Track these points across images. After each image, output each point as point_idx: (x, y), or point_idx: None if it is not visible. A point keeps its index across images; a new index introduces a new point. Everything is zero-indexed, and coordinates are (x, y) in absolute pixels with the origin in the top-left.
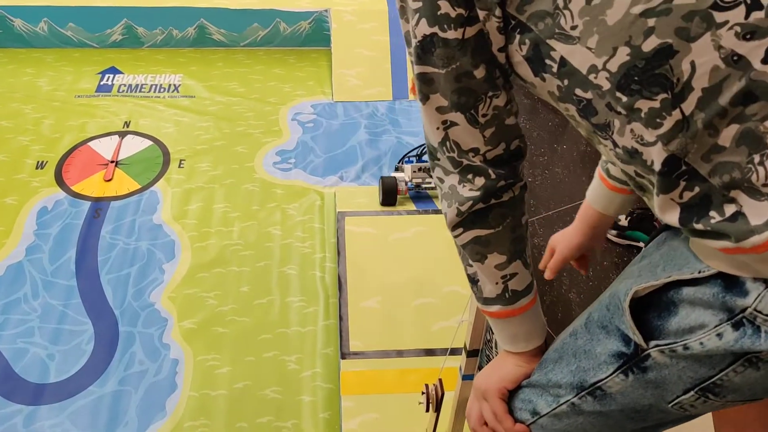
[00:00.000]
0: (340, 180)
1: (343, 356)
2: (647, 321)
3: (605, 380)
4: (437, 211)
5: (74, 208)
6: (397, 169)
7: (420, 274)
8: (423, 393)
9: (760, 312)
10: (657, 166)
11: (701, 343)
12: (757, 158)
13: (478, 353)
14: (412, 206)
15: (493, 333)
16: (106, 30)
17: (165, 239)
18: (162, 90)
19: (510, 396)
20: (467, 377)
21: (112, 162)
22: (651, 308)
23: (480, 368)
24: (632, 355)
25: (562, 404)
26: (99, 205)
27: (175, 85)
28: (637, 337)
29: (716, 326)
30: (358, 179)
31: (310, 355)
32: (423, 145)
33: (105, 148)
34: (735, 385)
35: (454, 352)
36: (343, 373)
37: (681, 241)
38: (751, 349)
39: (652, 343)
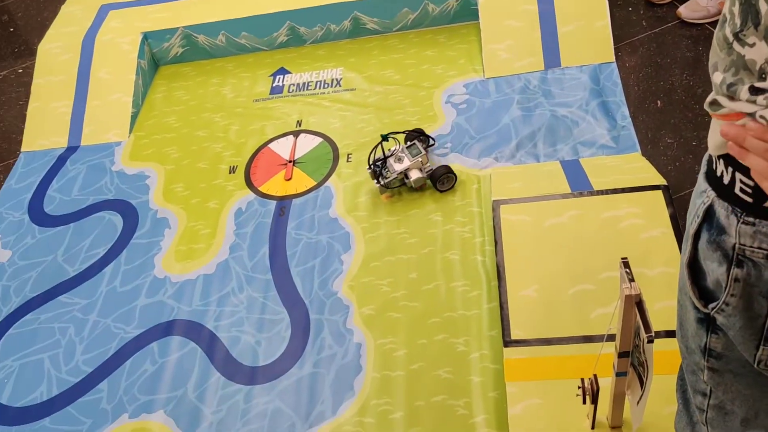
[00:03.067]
0: (495, 161)
1: (506, 344)
2: (704, 285)
3: (708, 343)
4: (592, 193)
5: (263, 208)
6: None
7: (576, 260)
8: (579, 387)
9: (744, 245)
10: None
11: (732, 295)
12: None
13: (629, 354)
14: (566, 187)
15: (641, 339)
16: (273, 33)
17: (341, 232)
18: (326, 86)
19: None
20: (620, 374)
21: (290, 162)
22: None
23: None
24: (706, 319)
25: (704, 370)
26: (283, 203)
27: (337, 79)
28: (699, 303)
29: (727, 276)
30: (513, 158)
31: (477, 337)
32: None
33: (282, 148)
34: None
35: (611, 338)
36: (506, 360)
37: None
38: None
39: (710, 306)
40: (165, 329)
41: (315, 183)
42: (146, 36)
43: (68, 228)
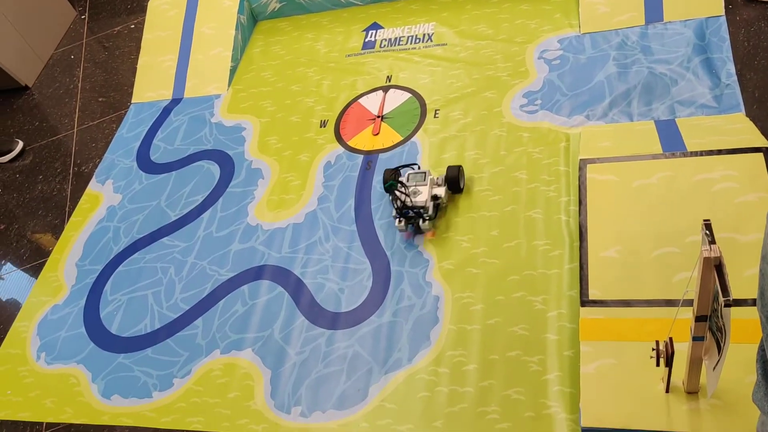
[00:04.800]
0: (586, 119)
1: (583, 304)
2: None
3: None
4: (685, 154)
5: (351, 161)
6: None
7: (663, 222)
8: (653, 349)
9: None
10: None
11: None
12: None
13: (707, 318)
14: (658, 148)
15: (719, 303)
16: None
17: None
18: (417, 41)
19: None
20: (697, 339)
21: (378, 117)
22: None
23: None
24: None
25: None
26: (370, 157)
27: (428, 34)
28: None
29: None
30: (605, 117)
31: (556, 296)
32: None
33: (372, 103)
34: None
35: (686, 303)
36: (582, 320)
37: None
38: None
39: None
40: (255, 273)
41: (402, 138)
42: None
43: (171, 175)
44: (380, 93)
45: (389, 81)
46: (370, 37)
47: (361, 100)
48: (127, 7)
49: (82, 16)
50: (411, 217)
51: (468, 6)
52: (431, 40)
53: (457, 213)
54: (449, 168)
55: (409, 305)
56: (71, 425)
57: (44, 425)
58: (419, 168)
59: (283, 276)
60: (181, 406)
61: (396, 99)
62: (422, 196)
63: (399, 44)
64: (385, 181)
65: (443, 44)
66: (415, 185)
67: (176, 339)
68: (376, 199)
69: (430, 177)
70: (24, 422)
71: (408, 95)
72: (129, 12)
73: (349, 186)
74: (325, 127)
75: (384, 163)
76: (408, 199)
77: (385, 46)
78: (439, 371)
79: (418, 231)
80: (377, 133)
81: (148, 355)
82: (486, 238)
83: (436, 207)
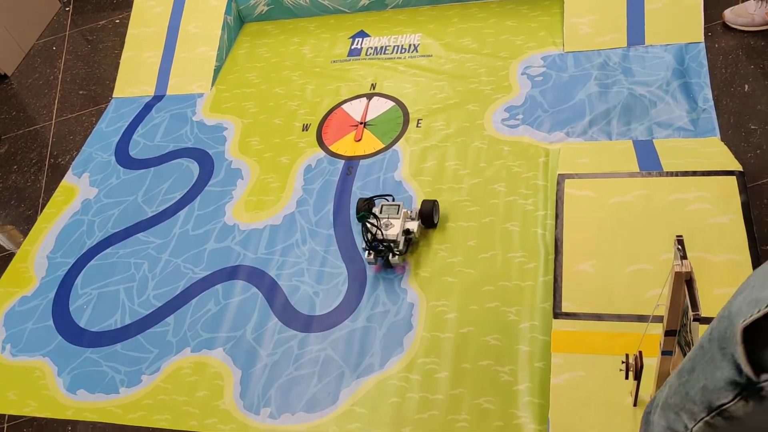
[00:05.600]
0: (566, 136)
1: (555, 316)
2: (762, 348)
3: (728, 405)
4: (661, 174)
5: (331, 166)
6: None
7: (637, 239)
8: (623, 362)
9: None
10: None
11: None
12: None
13: (676, 333)
14: (635, 167)
15: (688, 318)
16: None
17: (404, 195)
18: (403, 50)
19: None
20: (666, 353)
21: (361, 123)
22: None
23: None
24: (746, 386)
25: (699, 422)
26: (351, 163)
27: (414, 45)
28: (747, 369)
29: None
30: (584, 134)
31: (529, 308)
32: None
33: (355, 110)
34: None
35: (656, 319)
36: (554, 332)
37: None
38: None
39: (764, 376)
40: (230, 273)
41: (383, 146)
42: None
43: (149, 171)
44: (364, 100)
45: (373, 89)
46: (356, 44)
47: (344, 106)
48: (113, 2)
49: (67, 8)
50: (381, 250)
51: (454, 19)
52: (416, 51)
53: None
54: (424, 202)
55: (383, 311)
56: (34, 419)
57: (6, 417)
58: (393, 200)
59: (257, 277)
60: (149, 403)
61: (379, 107)
62: (394, 230)
63: (384, 53)
64: (357, 212)
65: (428, 55)
66: (388, 218)
67: (147, 335)
68: (355, 204)
69: (403, 210)
70: None
71: (391, 104)
72: (114, 7)
73: (329, 190)
74: (307, 130)
75: (365, 169)
76: (379, 232)
77: (370, 54)
78: (410, 377)
79: (387, 265)
80: (359, 140)
81: (117, 350)
82: (463, 247)
83: (408, 242)
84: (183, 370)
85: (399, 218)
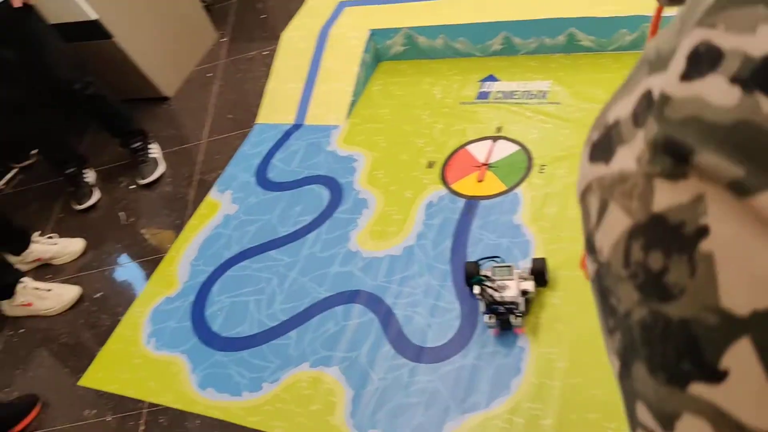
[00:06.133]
0: None
1: None
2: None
3: None
4: None
5: (452, 204)
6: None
7: None
8: None
9: None
10: None
11: None
12: None
13: None
14: None
15: None
16: (488, 41)
17: (522, 239)
18: (532, 96)
19: None
20: None
21: (484, 165)
22: None
23: None
24: None
25: None
26: (472, 203)
27: (543, 91)
28: None
29: None
30: None
31: None
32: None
33: (479, 151)
34: None
35: None
36: None
37: None
38: None
39: None
40: (350, 296)
41: (505, 188)
42: (373, 33)
43: (284, 194)
44: (489, 142)
45: (499, 132)
46: (486, 87)
47: (469, 147)
48: (263, 35)
49: (222, 39)
50: (502, 312)
51: (586, 69)
52: (545, 98)
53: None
54: (534, 260)
55: (493, 351)
56: (168, 408)
57: (146, 404)
58: (501, 261)
59: (375, 303)
60: (268, 410)
61: (504, 150)
62: (511, 291)
63: (513, 98)
64: (468, 276)
65: (557, 103)
66: (502, 279)
67: (270, 346)
68: (472, 243)
69: (516, 271)
70: (129, 398)
71: (516, 147)
72: (264, 38)
73: (448, 227)
74: (432, 168)
75: (485, 210)
76: (497, 294)
77: (498, 97)
78: (514, 420)
79: (505, 326)
80: (481, 180)
81: (244, 356)
82: (578, 297)
83: (527, 302)
84: (300, 383)
85: (513, 278)
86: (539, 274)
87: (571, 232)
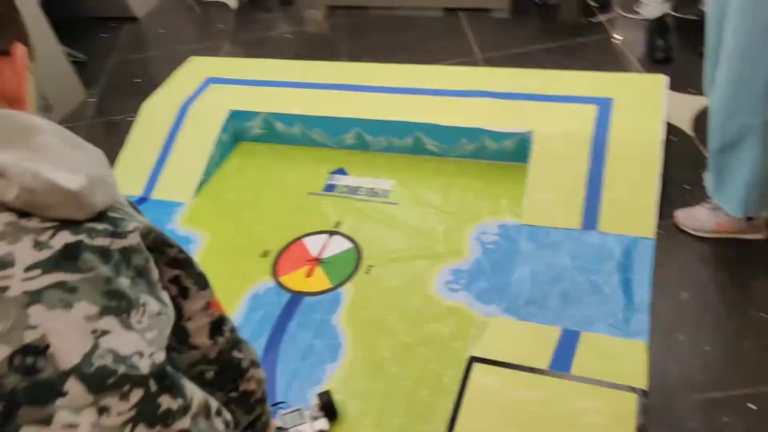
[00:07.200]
0: (500, 311)
1: None
2: None
3: None
4: (568, 377)
5: (277, 298)
6: None
7: None
8: None
9: None
10: None
11: None
12: None
13: None
14: (547, 361)
15: None
16: (342, 135)
17: (334, 340)
18: (374, 194)
19: None
20: None
21: (315, 259)
22: None
23: None
24: None
25: None
26: (296, 298)
27: (386, 190)
28: None
29: None
30: (518, 312)
31: None
32: None
33: (314, 244)
34: None
35: None
36: None
37: None
38: None
39: None
40: None
41: (331, 286)
42: (233, 114)
43: None
44: (325, 236)
45: (337, 227)
46: (334, 180)
47: (305, 239)
48: (133, 100)
49: (90, 99)
50: None
51: (429, 171)
52: (386, 197)
53: (354, 374)
54: (320, 395)
55: None
56: None
57: None
58: (289, 406)
59: None
60: None
61: (337, 246)
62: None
63: (357, 194)
64: None
65: (395, 203)
66: (294, 426)
67: None
68: (287, 342)
69: (306, 413)
70: None
71: (350, 245)
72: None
73: (267, 323)
74: (266, 257)
75: (308, 307)
76: None
77: (344, 192)
78: None
79: None
80: (310, 276)
81: None
82: (376, 409)
83: None
84: None
85: (305, 422)
86: (329, 408)
87: (384, 338)
